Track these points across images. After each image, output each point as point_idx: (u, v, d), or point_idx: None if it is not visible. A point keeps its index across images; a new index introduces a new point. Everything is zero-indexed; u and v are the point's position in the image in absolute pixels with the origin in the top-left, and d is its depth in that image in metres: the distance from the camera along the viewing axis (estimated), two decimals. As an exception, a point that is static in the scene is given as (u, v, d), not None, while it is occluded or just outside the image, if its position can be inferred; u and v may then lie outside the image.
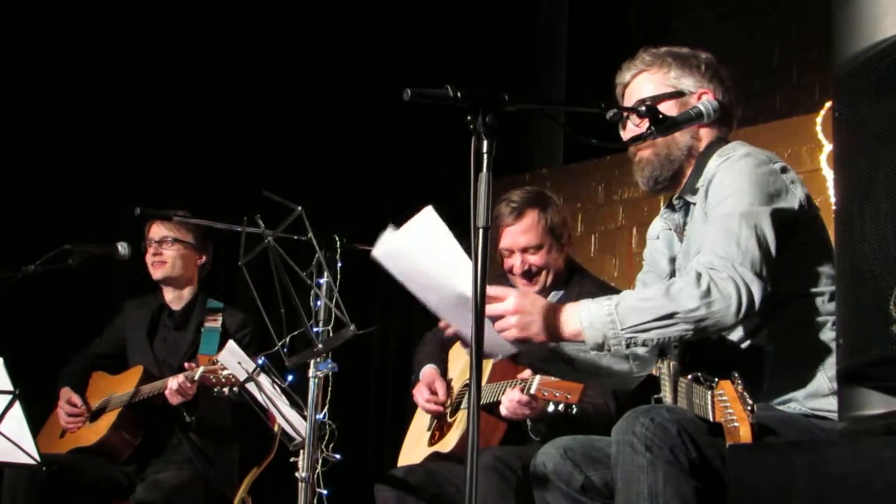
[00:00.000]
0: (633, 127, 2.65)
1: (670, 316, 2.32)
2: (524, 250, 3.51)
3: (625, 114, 2.64)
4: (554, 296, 3.53)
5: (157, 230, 4.14)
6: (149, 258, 4.14)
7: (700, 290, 2.31)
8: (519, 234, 3.50)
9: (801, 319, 2.47)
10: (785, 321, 2.48)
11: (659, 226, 2.78)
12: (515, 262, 3.52)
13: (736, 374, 2.17)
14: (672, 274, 2.70)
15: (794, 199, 2.49)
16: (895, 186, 1.70)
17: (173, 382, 3.78)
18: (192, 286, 4.22)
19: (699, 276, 2.33)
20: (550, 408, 3.10)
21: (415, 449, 3.75)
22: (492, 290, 2.28)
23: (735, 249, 2.37)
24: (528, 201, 3.54)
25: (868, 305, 1.74)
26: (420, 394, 3.66)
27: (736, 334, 2.50)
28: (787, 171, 2.53)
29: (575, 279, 3.60)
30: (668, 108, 2.58)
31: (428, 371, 3.72)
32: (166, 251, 4.12)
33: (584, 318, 2.34)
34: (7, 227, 4.90)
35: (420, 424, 3.81)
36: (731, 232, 2.40)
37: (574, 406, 3.08)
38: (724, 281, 2.32)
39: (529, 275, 3.51)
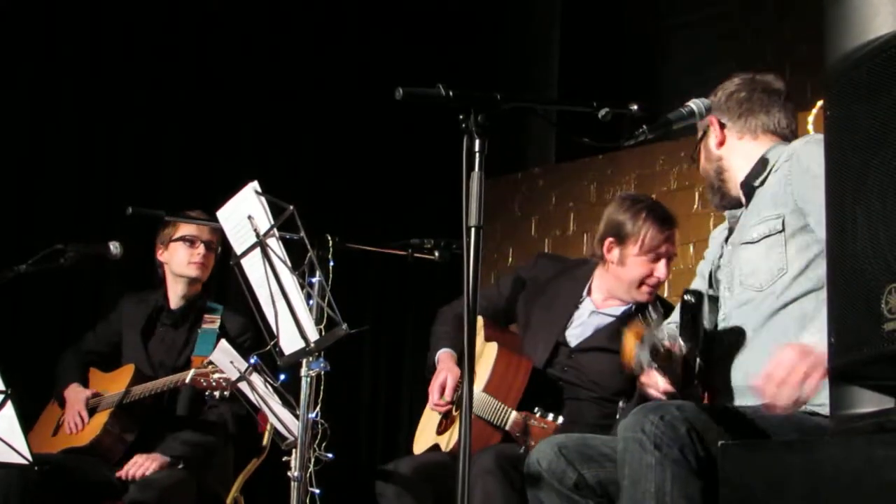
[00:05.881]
0: None
1: None
2: (669, 259, 3.35)
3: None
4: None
5: (201, 231, 4.12)
6: (190, 253, 4.11)
7: None
8: (673, 243, 3.36)
9: (765, 307, 2.46)
10: (750, 311, 2.48)
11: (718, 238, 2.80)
12: (660, 270, 3.33)
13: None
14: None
15: None
16: (887, 185, 1.70)
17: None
18: (199, 289, 4.23)
19: None
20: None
21: (424, 432, 3.75)
22: None
23: None
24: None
25: (860, 304, 1.74)
26: (431, 395, 3.57)
27: (708, 324, 2.50)
28: None
29: None
30: None
31: (443, 358, 3.61)
32: (208, 258, 4.14)
33: None
34: (-2, 226, 4.89)
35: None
36: None
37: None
38: None
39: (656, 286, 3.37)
